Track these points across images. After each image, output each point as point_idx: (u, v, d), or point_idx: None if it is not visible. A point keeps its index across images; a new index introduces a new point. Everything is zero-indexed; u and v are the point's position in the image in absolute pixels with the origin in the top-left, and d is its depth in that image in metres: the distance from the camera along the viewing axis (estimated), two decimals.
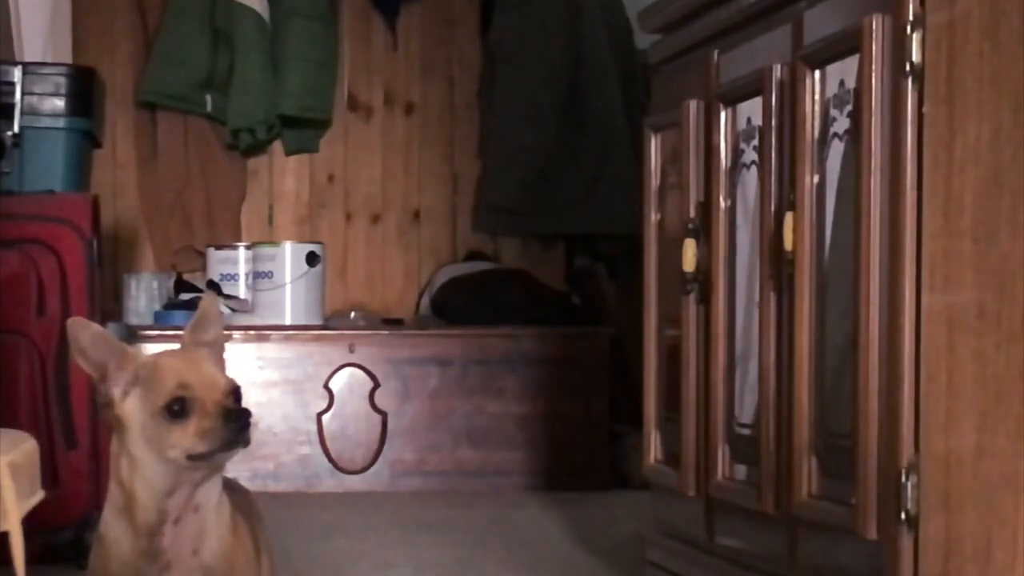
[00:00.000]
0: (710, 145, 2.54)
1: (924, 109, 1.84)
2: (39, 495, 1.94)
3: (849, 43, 2.00)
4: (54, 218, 3.17)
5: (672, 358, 2.72)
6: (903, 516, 1.85)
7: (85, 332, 1.71)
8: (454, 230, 5.44)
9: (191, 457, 1.68)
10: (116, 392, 1.71)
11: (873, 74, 1.93)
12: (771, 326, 2.28)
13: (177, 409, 1.68)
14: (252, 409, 1.70)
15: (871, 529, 1.92)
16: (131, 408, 1.71)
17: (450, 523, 3.82)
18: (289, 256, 4.75)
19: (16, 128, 3.69)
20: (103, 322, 3.24)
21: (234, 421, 1.68)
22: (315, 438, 4.58)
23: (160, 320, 4.75)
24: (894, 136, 1.89)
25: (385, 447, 4.62)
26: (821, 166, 2.12)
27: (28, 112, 3.71)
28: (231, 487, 1.82)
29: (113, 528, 1.74)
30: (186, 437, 1.67)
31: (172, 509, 1.71)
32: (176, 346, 1.79)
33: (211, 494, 1.74)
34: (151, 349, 4.49)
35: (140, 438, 1.70)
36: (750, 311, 2.39)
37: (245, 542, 1.80)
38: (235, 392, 1.72)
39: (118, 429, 1.72)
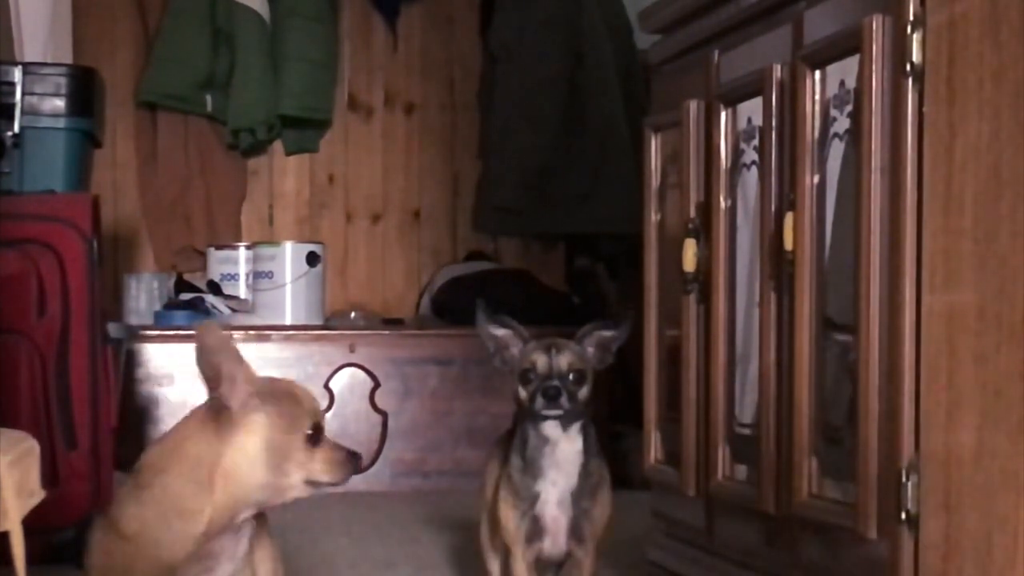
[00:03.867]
0: (710, 145, 2.54)
1: (924, 109, 1.84)
2: (39, 495, 1.94)
3: (849, 43, 2.00)
4: (54, 218, 3.17)
5: (672, 358, 2.72)
6: (903, 516, 1.86)
7: (211, 336, 1.73)
8: (454, 230, 5.44)
9: (309, 482, 1.74)
10: (235, 401, 1.72)
11: (873, 74, 1.93)
12: (771, 326, 2.28)
13: (314, 436, 1.74)
14: None
15: (871, 529, 1.92)
16: (258, 422, 1.72)
17: (450, 522, 3.82)
18: (289, 256, 4.75)
19: (16, 128, 3.69)
20: (103, 322, 3.24)
21: (354, 460, 1.76)
22: None
23: (160, 320, 4.75)
24: (894, 136, 1.89)
25: (385, 447, 4.62)
26: (821, 166, 2.12)
27: (28, 112, 3.72)
28: None
29: (158, 529, 1.73)
30: (313, 463, 1.72)
31: (244, 518, 1.74)
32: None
33: None
34: (152, 349, 4.51)
35: (261, 453, 1.72)
36: (750, 311, 2.39)
37: (266, 544, 1.82)
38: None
39: (227, 437, 1.72)
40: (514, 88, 5.14)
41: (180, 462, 1.73)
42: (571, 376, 2.29)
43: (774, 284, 2.26)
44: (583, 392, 2.30)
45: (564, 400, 2.26)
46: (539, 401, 2.27)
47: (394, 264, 5.41)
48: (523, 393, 2.30)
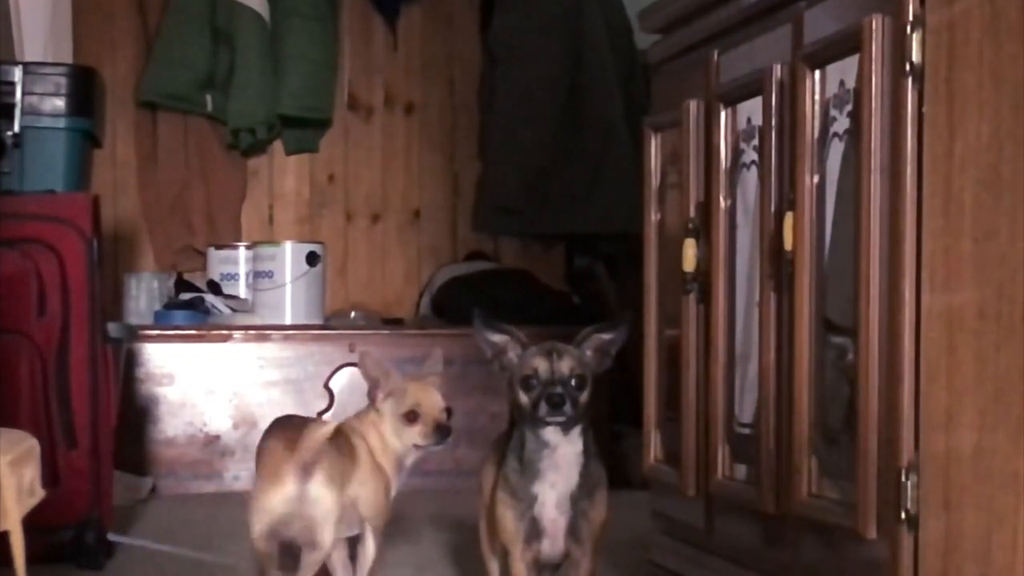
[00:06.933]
0: (710, 145, 2.54)
1: (924, 109, 1.84)
2: (39, 495, 1.94)
3: (849, 43, 2.01)
4: (54, 218, 3.17)
5: (672, 358, 2.72)
6: (903, 516, 1.86)
7: (369, 359, 2.70)
8: (454, 230, 5.44)
9: (416, 446, 2.64)
10: (379, 396, 2.65)
11: (873, 74, 1.93)
12: (771, 326, 2.28)
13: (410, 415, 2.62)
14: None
15: (871, 529, 1.92)
16: (386, 409, 2.65)
17: (450, 522, 3.82)
18: (289, 256, 4.75)
19: (16, 128, 3.69)
20: (103, 322, 3.24)
21: (441, 432, 2.65)
22: None
23: (160, 320, 4.74)
24: (894, 136, 1.89)
25: None
26: (821, 166, 2.12)
27: (28, 112, 3.72)
28: None
29: None
30: (413, 434, 2.63)
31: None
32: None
33: None
34: (152, 349, 4.51)
35: (390, 428, 2.63)
36: (750, 311, 2.39)
37: None
38: (447, 410, 2.67)
39: (378, 418, 2.65)
40: (514, 88, 5.15)
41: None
42: (573, 381, 2.25)
43: (774, 284, 2.27)
44: (584, 396, 2.26)
45: (568, 407, 2.23)
46: (543, 408, 2.24)
47: (394, 264, 5.41)
48: (525, 399, 2.27)
